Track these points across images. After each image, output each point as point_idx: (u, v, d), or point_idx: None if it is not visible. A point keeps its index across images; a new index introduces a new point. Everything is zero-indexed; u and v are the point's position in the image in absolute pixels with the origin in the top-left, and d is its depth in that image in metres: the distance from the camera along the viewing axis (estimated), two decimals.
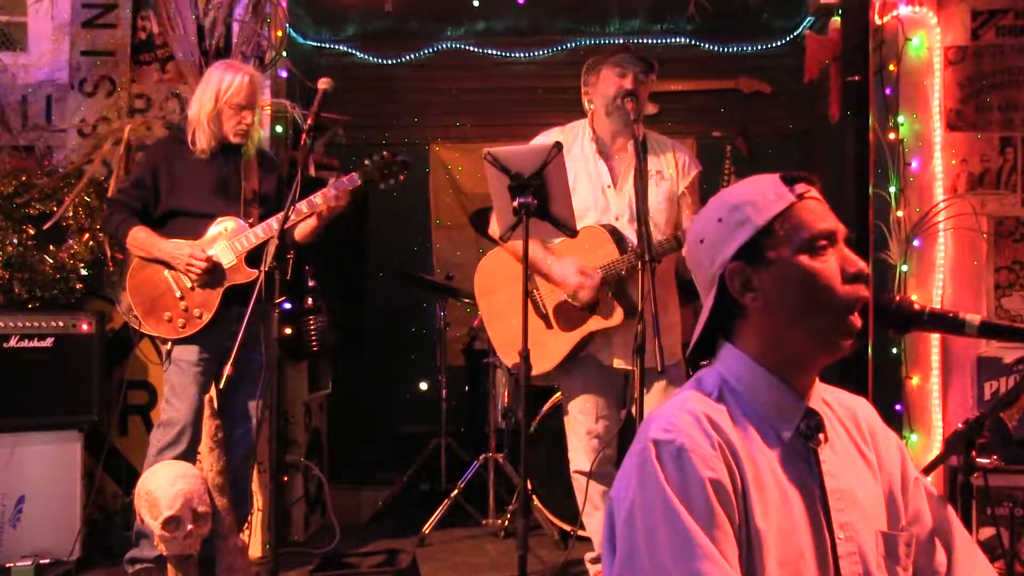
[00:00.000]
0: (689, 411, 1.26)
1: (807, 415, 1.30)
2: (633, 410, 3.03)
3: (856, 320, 1.28)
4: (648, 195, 3.00)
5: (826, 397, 1.38)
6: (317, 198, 3.23)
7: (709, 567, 1.15)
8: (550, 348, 3.06)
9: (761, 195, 1.30)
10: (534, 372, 3.08)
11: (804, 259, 1.27)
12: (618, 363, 3.06)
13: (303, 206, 3.21)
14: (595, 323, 3.02)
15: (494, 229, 2.99)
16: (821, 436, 1.30)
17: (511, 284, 3.07)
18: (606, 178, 3.08)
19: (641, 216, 2.72)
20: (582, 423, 3.10)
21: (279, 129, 4.05)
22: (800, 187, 1.30)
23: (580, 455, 3.10)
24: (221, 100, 3.26)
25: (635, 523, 1.21)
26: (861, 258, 1.30)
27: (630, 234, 2.99)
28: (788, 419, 1.29)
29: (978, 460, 1.40)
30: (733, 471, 1.22)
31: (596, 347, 3.07)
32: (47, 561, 3.49)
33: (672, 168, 3.10)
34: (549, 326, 3.08)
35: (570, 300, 3.04)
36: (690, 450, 1.21)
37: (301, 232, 3.31)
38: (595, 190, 3.07)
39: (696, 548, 1.16)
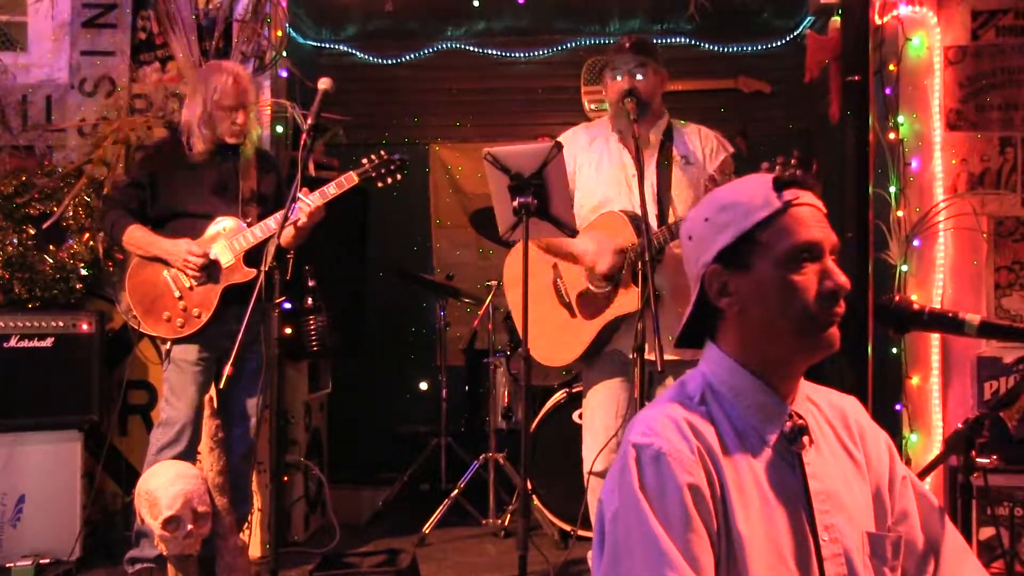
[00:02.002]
0: (669, 415, 1.26)
1: (790, 418, 1.29)
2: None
3: (829, 336, 1.26)
4: (671, 183, 3.00)
5: (814, 397, 1.37)
6: (315, 196, 3.23)
7: (673, 575, 1.15)
8: (574, 336, 3.04)
9: (749, 198, 1.28)
10: (559, 363, 3.10)
11: (781, 270, 1.25)
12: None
13: (316, 197, 3.21)
14: (616, 309, 2.98)
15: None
16: (805, 439, 1.29)
17: (537, 276, 3.05)
18: (631, 168, 3.05)
19: (644, 216, 2.73)
20: (603, 421, 3.05)
21: (279, 129, 4.05)
22: (790, 193, 1.26)
23: (594, 455, 3.06)
24: (210, 103, 3.26)
25: (617, 526, 1.23)
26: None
27: (650, 222, 2.98)
28: (772, 422, 1.29)
29: (978, 460, 1.40)
30: (712, 476, 1.22)
31: (620, 339, 3.03)
32: (47, 561, 3.49)
33: (699, 151, 3.07)
34: (573, 315, 3.07)
35: (591, 284, 3.01)
36: (669, 454, 1.21)
37: (284, 239, 3.27)
38: (619, 179, 3.05)
39: (663, 555, 1.16)
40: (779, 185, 1.27)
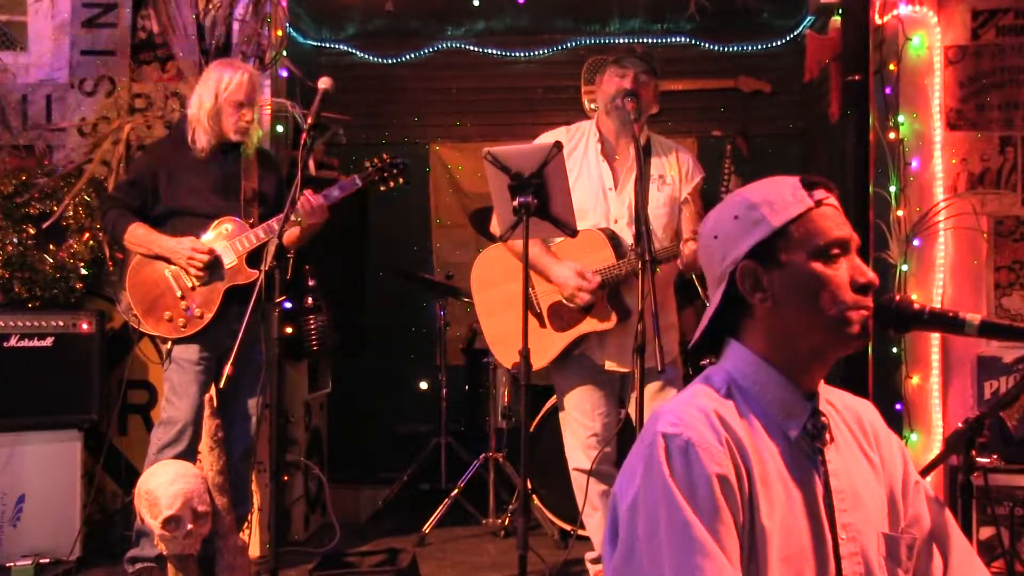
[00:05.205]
0: (698, 406, 1.26)
1: (813, 415, 1.30)
2: (632, 409, 3.04)
3: (861, 330, 1.28)
4: (648, 199, 3.01)
5: (830, 398, 1.38)
6: (318, 199, 3.23)
7: (707, 563, 1.15)
8: (543, 346, 3.06)
9: (779, 196, 1.31)
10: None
11: (816, 264, 1.27)
12: (610, 365, 3.06)
13: (320, 199, 3.22)
14: (588, 325, 3.03)
15: (495, 227, 3.00)
16: (827, 436, 1.31)
17: (508, 281, 3.07)
18: (608, 180, 3.07)
19: (640, 216, 2.73)
20: (580, 421, 3.10)
21: (279, 128, 4.05)
22: (819, 193, 1.31)
23: (579, 453, 3.10)
24: (221, 98, 3.27)
25: (637, 516, 1.22)
26: (861, 257, 1.31)
27: (628, 237, 2.99)
28: (795, 418, 1.30)
29: (978, 459, 1.40)
30: (740, 468, 1.23)
31: (589, 347, 3.08)
32: (47, 560, 3.49)
33: (675, 172, 3.09)
34: (543, 325, 3.08)
35: (566, 302, 3.04)
36: (698, 445, 1.21)
37: (288, 238, 3.23)
38: (596, 192, 3.06)
39: (695, 543, 1.16)
40: (808, 184, 1.31)
